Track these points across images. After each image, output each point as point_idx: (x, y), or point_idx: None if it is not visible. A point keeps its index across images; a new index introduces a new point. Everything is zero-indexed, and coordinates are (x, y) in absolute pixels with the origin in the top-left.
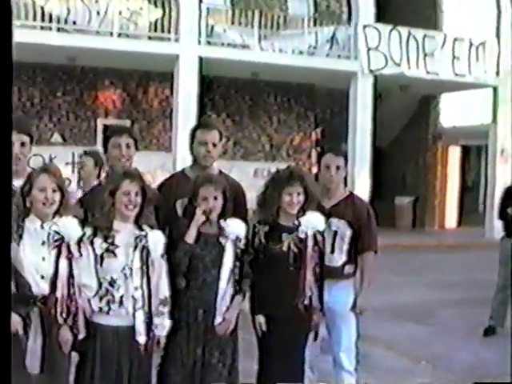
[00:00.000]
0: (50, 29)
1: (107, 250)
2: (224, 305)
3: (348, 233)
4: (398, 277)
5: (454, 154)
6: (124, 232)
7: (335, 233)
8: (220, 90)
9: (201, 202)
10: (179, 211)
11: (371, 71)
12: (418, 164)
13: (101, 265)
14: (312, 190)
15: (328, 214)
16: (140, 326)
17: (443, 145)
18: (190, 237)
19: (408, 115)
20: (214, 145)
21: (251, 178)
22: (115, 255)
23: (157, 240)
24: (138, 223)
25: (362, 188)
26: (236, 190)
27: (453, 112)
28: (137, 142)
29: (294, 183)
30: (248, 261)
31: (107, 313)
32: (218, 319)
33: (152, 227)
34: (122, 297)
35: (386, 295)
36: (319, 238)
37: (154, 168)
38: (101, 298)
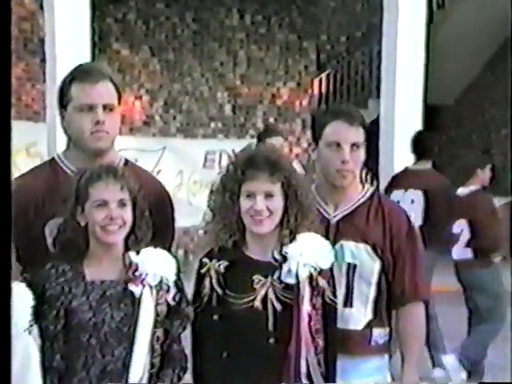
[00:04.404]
0: None
1: None
2: None
3: (375, 268)
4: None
5: None
6: None
7: (352, 268)
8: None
9: (93, 210)
10: (49, 239)
11: None
12: None
13: None
14: (301, 191)
15: (335, 233)
16: None
17: None
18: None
19: (494, 41)
20: (109, 109)
21: (199, 168)
22: None
23: (19, 302)
24: None
25: None
26: (156, 195)
27: None
28: None
29: (256, 174)
30: (181, 329)
31: None
32: None
33: None
34: None
35: None
36: (322, 282)
37: (13, 151)
38: None
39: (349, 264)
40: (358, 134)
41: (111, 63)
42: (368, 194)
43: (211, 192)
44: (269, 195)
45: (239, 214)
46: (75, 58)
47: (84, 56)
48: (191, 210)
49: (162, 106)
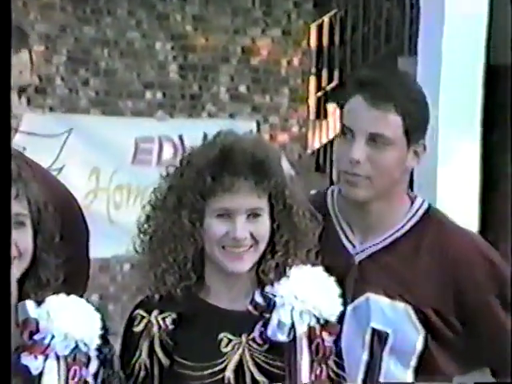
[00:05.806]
0: None
1: None
2: None
3: (419, 342)
4: None
5: None
6: None
7: (381, 338)
8: None
9: None
10: None
11: None
12: None
13: None
14: (297, 206)
15: (359, 278)
16: None
17: None
18: None
19: None
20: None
21: (127, 164)
22: None
23: None
24: None
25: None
26: (64, 208)
27: None
28: None
29: (237, 182)
30: None
31: None
32: None
33: None
34: None
35: None
36: (328, 340)
37: None
38: None
39: (374, 331)
40: (386, 122)
41: None
42: (416, 218)
43: (150, 207)
44: (253, 214)
45: (202, 244)
46: None
47: None
48: (113, 231)
49: (64, 62)
